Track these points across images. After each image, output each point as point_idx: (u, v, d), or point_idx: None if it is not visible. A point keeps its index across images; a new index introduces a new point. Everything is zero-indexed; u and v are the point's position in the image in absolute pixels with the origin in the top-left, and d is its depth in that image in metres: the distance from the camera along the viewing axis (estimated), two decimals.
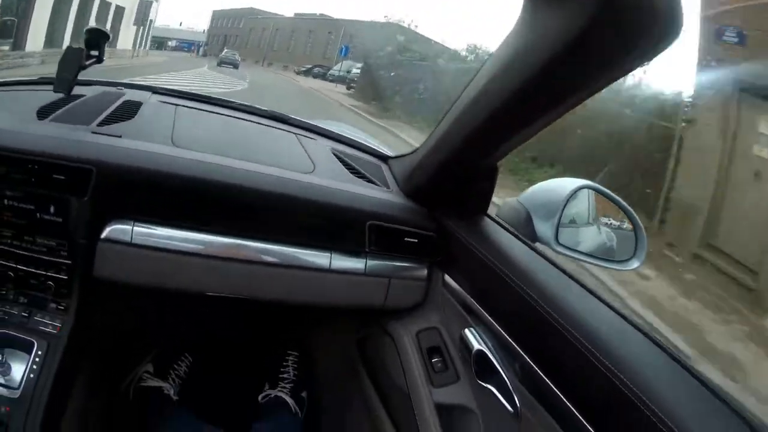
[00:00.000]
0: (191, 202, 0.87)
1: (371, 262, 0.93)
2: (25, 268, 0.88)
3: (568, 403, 0.61)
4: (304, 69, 29.43)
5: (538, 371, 0.67)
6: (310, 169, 1.02)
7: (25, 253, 0.87)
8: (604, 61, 0.54)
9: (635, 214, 0.90)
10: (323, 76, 25.63)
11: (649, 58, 0.53)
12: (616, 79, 0.58)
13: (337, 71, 23.50)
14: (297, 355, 1.34)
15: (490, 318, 0.78)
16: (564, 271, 0.76)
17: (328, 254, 0.92)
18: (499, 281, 0.76)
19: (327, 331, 1.39)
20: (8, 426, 0.76)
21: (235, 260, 0.89)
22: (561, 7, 0.52)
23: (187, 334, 1.38)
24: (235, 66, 25.06)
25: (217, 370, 1.38)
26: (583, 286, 0.72)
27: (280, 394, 1.23)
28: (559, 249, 0.82)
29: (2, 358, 0.80)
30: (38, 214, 0.85)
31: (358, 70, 19.05)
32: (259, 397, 1.26)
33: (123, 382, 1.24)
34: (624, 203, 0.90)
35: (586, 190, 0.89)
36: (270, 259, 0.90)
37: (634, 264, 0.87)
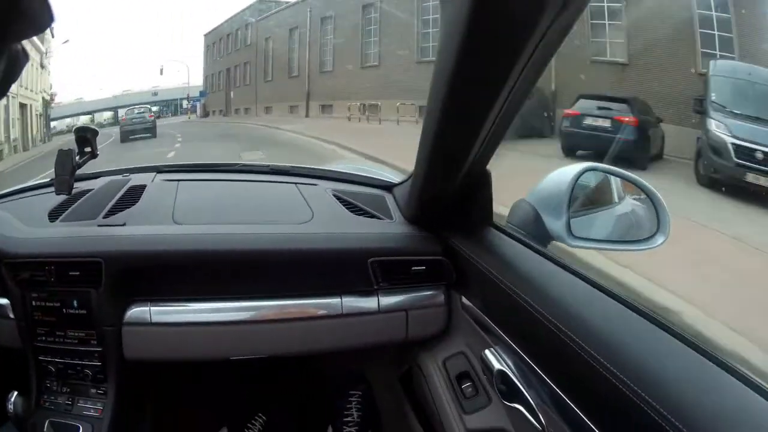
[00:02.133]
0: (198, 274, 0.90)
1: (384, 299, 0.93)
2: (62, 360, 0.94)
3: (589, 422, 0.57)
4: None
5: (556, 389, 0.64)
6: (308, 217, 1.03)
7: (61, 346, 0.93)
8: (517, 22, 0.51)
9: (648, 185, 0.84)
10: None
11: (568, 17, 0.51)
12: (548, 42, 0.54)
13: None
14: (360, 394, 1.30)
15: (505, 337, 0.76)
16: (577, 273, 0.72)
17: (338, 299, 0.92)
18: (509, 298, 0.73)
19: (376, 369, 1.36)
20: None
21: (252, 322, 0.92)
22: None
23: (248, 398, 1.39)
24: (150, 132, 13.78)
25: (288, 423, 1.39)
26: (599, 287, 0.68)
27: None
28: (574, 243, 0.79)
29: None
30: (64, 310, 0.92)
31: None
32: None
33: None
34: (633, 176, 0.85)
35: (590, 173, 0.84)
36: (284, 314, 0.92)
37: (659, 240, 0.81)
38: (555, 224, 0.81)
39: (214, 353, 0.95)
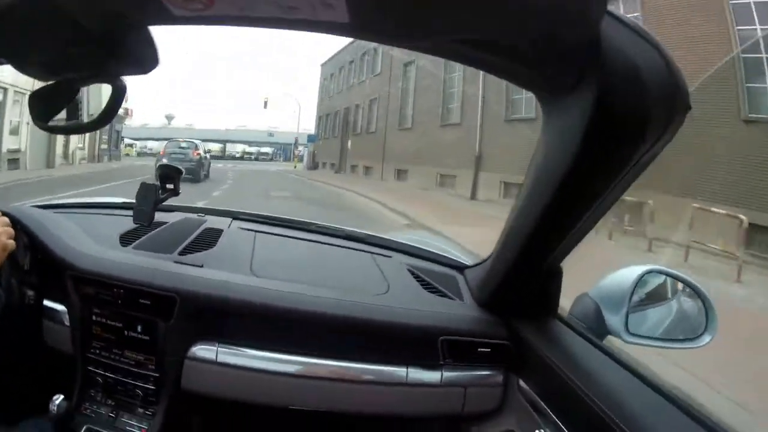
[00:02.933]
0: (270, 327, 0.94)
1: (447, 374, 0.96)
2: (113, 375, 0.97)
3: None
4: None
5: None
6: (384, 289, 1.07)
7: (113, 363, 0.96)
8: (617, 155, 0.57)
9: (702, 289, 0.93)
10: None
11: (658, 149, 0.57)
12: (641, 166, 0.60)
13: None
14: None
15: (558, 421, 0.79)
16: (635, 373, 0.77)
17: (404, 369, 0.95)
18: (567, 388, 0.77)
19: None
20: None
21: (314, 378, 0.95)
22: (566, 112, 0.56)
23: None
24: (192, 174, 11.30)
25: None
26: (656, 389, 0.73)
27: None
28: (630, 339, 0.87)
29: None
30: (126, 332, 0.95)
31: None
32: None
33: None
34: (691, 280, 0.94)
35: (653, 274, 0.93)
36: (349, 376, 0.95)
37: (706, 339, 0.90)
38: (613, 319, 0.90)
39: (272, 400, 0.97)
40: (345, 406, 0.98)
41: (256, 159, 37.53)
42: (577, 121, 0.55)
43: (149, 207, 1.02)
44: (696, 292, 0.93)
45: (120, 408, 0.98)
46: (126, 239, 1.09)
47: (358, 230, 1.43)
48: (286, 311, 0.93)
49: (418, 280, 1.16)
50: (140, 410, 0.97)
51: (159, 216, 1.14)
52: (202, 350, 0.94)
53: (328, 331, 0.94)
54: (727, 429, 0.65)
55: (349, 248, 1.34)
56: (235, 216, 1.40)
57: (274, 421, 1.34)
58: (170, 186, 1.06)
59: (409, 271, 1.21)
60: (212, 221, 1.31)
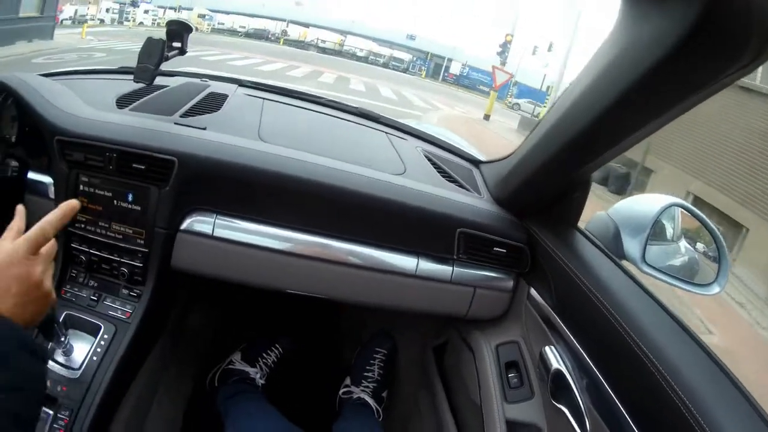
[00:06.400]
0: (277, 198, 0.84)
1: (458, 270, 0.90)
2: (98, 253, 0.87)
3: None
4: None
5: (614, 398, 0.64)
6: (401, 170, 0.98)
7: (99, 238, 0.86)
8: (704, 70, 0.52)
9: (721, 236, 0.87)
10: None
11: (750, 69, 0.51)
12: (715, 89, 0.55)
13: None
14: (385, 353, 1.31)
15: (571, 336, 0.75)
16: (652, 296, 0.72)
17: (415, 259, 0.88)
18: (584, 299, 0.72)
19: (404, 334, 1.36)
20: (61, 405, 0.76)
21: (318, 260, 0.87)
22: (659, 15, 0.50)
23: (275, 327, 1.37)
24: None
25: (303, 361, 1.37)
26: (671, 315, 0.69)
27: (362, 395, 1.21)
28: (645, 269, 0.80)
29: (65, 339, 0.79)
30: (115, 201, 0.84)
31: None
32: (340, 392, 1.25)
33: (209, 371, 1.24)
34: (711, 224, 0.88)
35: (674, 208, 0.86)
36: (355, 260, 0.87)
37: (715, 289, 0.84)
38: (630, 245, 0.82)
39: (268, 282, 0.90)
40: (346, 294, 0.92)
41: (385, 65, 30.90)
42: (673, 26, 0.48)
43: (153, 64, 0.88)
44: (714, 239, 0.87)
45: (103, 290, 0.88)
46: (122, 102, 0.98)
47: (374, 111, 1.35)
48: (297, 181, 0.83)
49: (435, 167, 1.07)
50: (125, 291, 0.88)
51: (159, 81, 1.05)
52: (198, 222, 0.85)
53: (341, 208, 0.86)
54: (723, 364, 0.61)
55: (362, 125, 1.25)
56: (241, 83, 1.30)
57: (257, 301, 1.35)
58: (177, 44, 0.94)
59: (426, 156, 1.13)
60: (216, 86, 1.20)
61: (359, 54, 32.07)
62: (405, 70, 31.58)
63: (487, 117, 13.95)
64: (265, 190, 0.84)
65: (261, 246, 0.85)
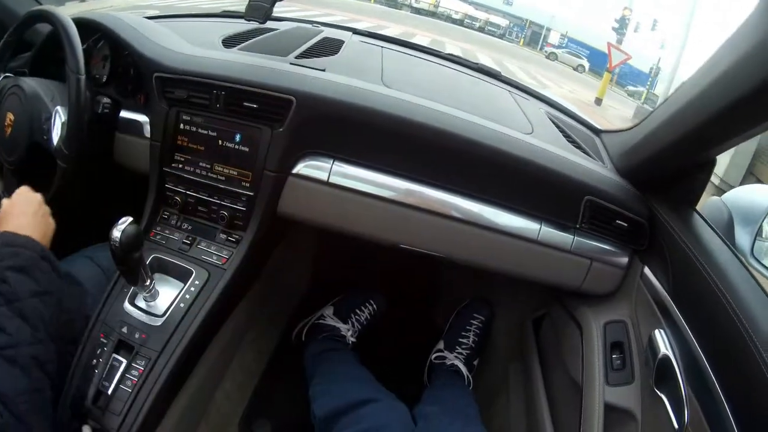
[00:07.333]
0: (402, 146, 0.80)
1: (578, 240, 0.85)
2: (195, 194, 0.84)
3: None
4: None
5: (721, 395, 0.60)
6: (528, 130, 0.93)
7: (198, 179, 0.83)
8: None
9: None
10: None
11: None
12: None
13: None
14: (483, 320, 1.26)
15: (685, 324, 0.70)
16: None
17: (538, 225, 0.84)
18: (705, 289, 0.68)
19: (501, 302, 1.30)
20: (138, 353, 0.72)
21: (437, 215, 0.82)
22: None
23: (375, 284, 1.32)
24: None
25: (398, 322, 1.34)
26: None
27: (456, 362, 1.17)
28: (752, 262, 0.80)
29: (151, 283, 0.74)
30: (220, 141, 0.81)
31: None
32: (432, 356, 1.22)
33: (296, 326, 1.23)
34: None
35: None
36: (475, 219, 0.83)
37: None
38: (741, 233, 0.83)
39: (384, 235, 0.85)
40: (463, 255, 0.88)
41: (481, 29, 28.91)
42: None
43: (269, 2, 0.83)
44: None
45: (197, 233, 0.84)
46: (229, 42, 0.95)
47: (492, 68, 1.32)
48: (424, 129, 0.79)
49: (560, 131, 1.03)
50: (222, 236, 0.84)
51: (267, 25, 1.02)
52: (312, 167, 0.81)
53: (469, 162, 0.81)
54: None
55: (485, 81, 1.21)
56: (355, 31, 1.27)
57: (361, 263, 1.33)
58: None
59: (550, 119, 1.09)
60: (330, 32, 1.17)
61: (454, 16, 30.26)
62: (501, 36, 29.74)
63: (598, 101, 12.50)
64: (390, 136, 0.79)
65: (380, 196, 0.81)
